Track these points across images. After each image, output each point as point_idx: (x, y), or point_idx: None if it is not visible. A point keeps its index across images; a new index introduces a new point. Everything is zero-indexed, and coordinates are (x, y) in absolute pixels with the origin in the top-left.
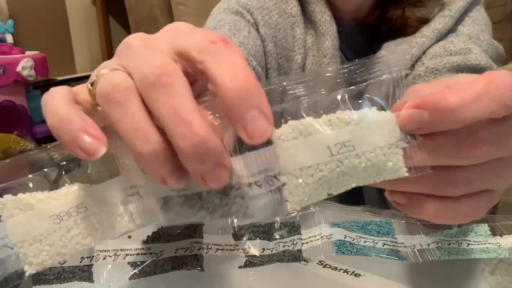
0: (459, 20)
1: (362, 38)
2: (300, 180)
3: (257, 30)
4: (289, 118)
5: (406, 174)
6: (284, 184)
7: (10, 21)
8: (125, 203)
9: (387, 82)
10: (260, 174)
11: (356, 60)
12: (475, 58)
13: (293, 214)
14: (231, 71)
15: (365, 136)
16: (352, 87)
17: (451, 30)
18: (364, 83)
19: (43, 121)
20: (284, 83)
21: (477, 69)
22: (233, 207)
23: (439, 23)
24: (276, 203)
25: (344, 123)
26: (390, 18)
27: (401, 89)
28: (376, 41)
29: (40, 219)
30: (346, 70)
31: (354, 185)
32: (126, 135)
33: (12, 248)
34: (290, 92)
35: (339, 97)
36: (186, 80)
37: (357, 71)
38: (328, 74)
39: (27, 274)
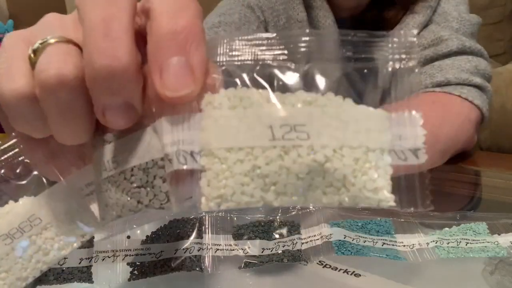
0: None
1: None
2: (224, 166)
3: (266, 29)
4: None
5: (393, 204)
6: (203, 169)
7: (10, 21)
8: (83, 203)
9: (384, 71)
10: (172, 146)
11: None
12: (445, 46)
13: (293, 213)
14: (175, 10)
15: (330, 125)
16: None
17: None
18: (351, 63)
19: None
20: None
21: (450, 55)
22: (153, 190)
23: (422, 15)
24: (188, 192)
25: (302, 102)
26: (385, 18)
27: (404, 84)
28: None
29: None
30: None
31: (305, 200)
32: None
33: None
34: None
35: (306, 68)
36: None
37: (348, 45)
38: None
39: None
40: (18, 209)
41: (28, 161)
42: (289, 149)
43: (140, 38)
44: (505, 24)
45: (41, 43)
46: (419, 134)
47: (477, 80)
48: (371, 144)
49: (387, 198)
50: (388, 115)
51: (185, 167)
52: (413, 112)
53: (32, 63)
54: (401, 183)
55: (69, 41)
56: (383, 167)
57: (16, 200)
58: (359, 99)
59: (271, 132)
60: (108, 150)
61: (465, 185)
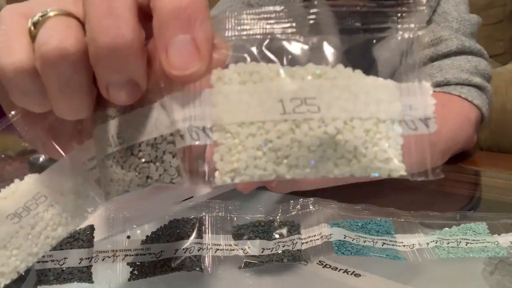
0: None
1: None
2: (236, 141)
3: None
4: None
5: (404, 174)
6: (215, 144)
7: None
8: (87, 178)
9: (395, 42)
10: (184, 122)
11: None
12: (445, 46)
13: (293, 213)
14: None
15: (340, 97)
16: (342, 36)
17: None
18: (360, 34)
19: None
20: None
21: (450, 55)
22: (162, 165)
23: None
24: (202, 168)
25: (311, 75)
26: None
27: (413, 56)
28: None
29: None
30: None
31: (317, 171)
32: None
33: None
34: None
35: (313, 41)
36: None
37: (356, 16)
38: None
39: (2, 285)
40: (24, 188)
41: (27, 143)
42: (300, 122)
43: (143, 12)
44: (505, 24)
45: (41, 16)
46: (429, 103)
47: (477, 80)
48: (381, 115)
49: (398, 167)
50: (398, 85)
51: (197, 142)
52: (423, 82)
53: (32, 36)
54: (412, 152)
55: (69, 14)
56: (394, 138)
57: (21, 179)
58: (367, 70)
59: (281, 106)
60: (112, 126)
61: (465, 185)
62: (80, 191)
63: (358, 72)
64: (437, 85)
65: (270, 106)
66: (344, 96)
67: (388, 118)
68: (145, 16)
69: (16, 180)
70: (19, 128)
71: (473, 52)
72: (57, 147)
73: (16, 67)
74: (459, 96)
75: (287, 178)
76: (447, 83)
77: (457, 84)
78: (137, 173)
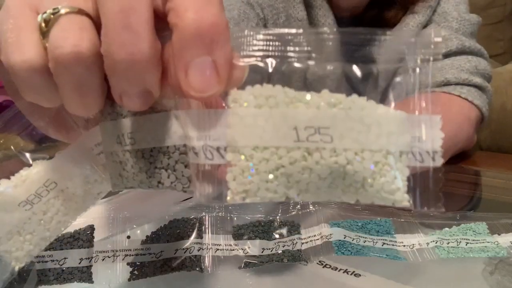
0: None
1: None
2: (250, 164)
3: (265, 26)
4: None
5: (407, 205)
6: (229, 164)
7: None
8: (96, 163)
9: (410, 70)
10: (198, 140)
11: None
12: (445, 46)
13: (293, 213)
14: (200, 5)
15: (353, 129)
16: (356, 65)
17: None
18: (374, 64)
19: None
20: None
21: (450, 55)
22: (174, 174)
23: (422, 15)
24: (214, 184)
25: (327, 104)
26: (384, 18)
27: (424, 81)
28: None
29: (9, 211)
30: (354, 38)
31: (325, 196)
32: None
33: None
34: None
35: (331, 68)
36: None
37: (367, 44)
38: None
39: (16, 269)
40: (34, 176)
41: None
42: (312, 151)
43: (158, 15)
44: (505, 24)
45: (52, 13)
46: (438, 136)
47: (477, 80)
48: (391, 148)
49: (402, 199)
50: (408, 116)
51: (211, 162)
52: (433, 116)
53: (43, 33)
54: (416, 183)
55: (81, 12)
56: (401, 169)
57: (29, 165)
58: (380, 100)
59: (295, 133)
60: (123, 125)
61: (465, 185)
62: (88, 176)
63: (372, 103)
64: (437, 85)
65: (284, 132)
66: (357, 128)
67: (397, 150)
68: (159, 19)
69: (25, 168)
70: (27, 116)
71: (473, 52)
72: (65, 134)
73: (27, 66)
74: (459, 96)
75: (296, 200)
76: (447, 83)
77: (457, 84)
78: (148, 176)
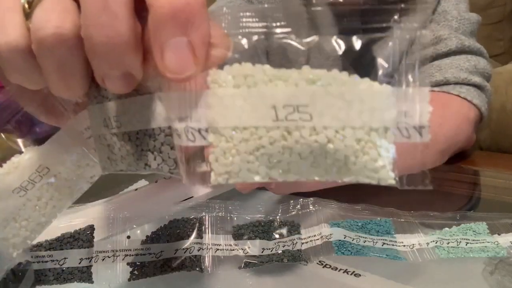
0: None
1: None
2: (230, 144)
3: None
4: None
5: (393, 182)
6: (211, 146)
7: None
8: (87, 146)
9: (395, 41)
10: (180, 122)
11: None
12: (444, 45)
13: (293, 213)
14: None
15: (333, 106)
16: (341, 35)
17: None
18: (360, 34)
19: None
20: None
21: (449, 54)
22: (161, 155)
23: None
24: (198, 166)
25: (305, 81)
26: None
27: (413, 56)
28: None
29: (3, 198)
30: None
31: (308, 176)
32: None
33: None
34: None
35: (310, 39)
36: None
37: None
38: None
39: (14, 255)
40: (26, 162)
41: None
42: (292, 130)
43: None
44: (505, 24)
45: None
46: (425, 111)
47: (476, 79)
48: (374, 124)
49: (387, 176)
50: (395, 90)
51: (193, 144)
52: (422, 87)
53: (26, 14)
54: (402, 159)
55: None
56: (385, 146)
57: (21, 152)
58: (366, 71)
59: (274, 112)
60: (109, 108)
61: (465, 185)
62: (80, 160)
63: (354, 78)
64: (436, 84)
65: (263, 112)
66: (337, 104)
67: (381, 126)
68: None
69: (17, 155)
70: (17, 99)
71: (472, 51)
72: (55, 118)
73: (10, 47)
74: (458, 95)
75: (279, 181)
76: (446, 83)
77: (456, 83)
78: (135, 159)
